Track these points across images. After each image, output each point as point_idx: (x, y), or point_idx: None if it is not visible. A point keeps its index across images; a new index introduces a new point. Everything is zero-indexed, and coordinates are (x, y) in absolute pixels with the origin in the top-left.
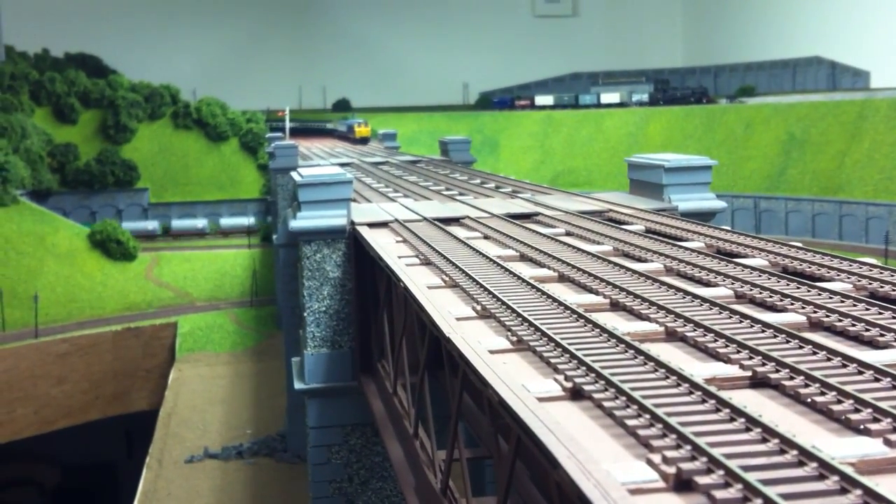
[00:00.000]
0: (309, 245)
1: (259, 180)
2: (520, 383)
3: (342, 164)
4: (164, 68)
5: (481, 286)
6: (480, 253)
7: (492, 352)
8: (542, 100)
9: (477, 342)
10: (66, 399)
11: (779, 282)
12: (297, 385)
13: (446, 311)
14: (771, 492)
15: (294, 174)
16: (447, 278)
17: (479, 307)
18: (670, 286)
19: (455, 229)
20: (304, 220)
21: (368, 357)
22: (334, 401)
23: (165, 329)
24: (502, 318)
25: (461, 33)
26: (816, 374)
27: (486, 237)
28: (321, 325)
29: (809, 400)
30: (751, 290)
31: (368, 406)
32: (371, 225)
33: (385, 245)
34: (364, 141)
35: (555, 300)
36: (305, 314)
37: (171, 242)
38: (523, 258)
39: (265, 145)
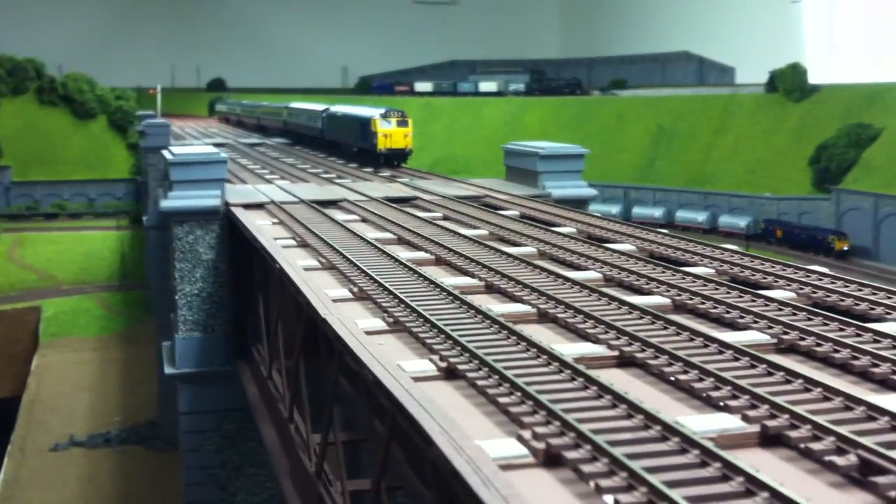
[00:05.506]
0: (181, 226)
1: (129, 160)
2: (395, 363)
3: (217, 144)
4: (28, 41)
5: (358, 268)
6: (358, 235)
7: (368, 333)
8: (421, 86)
9: (353, 323)
10: None
11: (645, 266)
12: (168, 370)
13: (322, 292)
14: (636, 465)
15: (165, 152)
16: (324, 260)
17: (355, 289)
18: (543, 269)
19: (333, 212)
20: (176, 200)
21: (243, 341)
22: (207, 386)
23: (29, 313)
24: (379, 300)
25: (341, 16)
26: (680, 353)
27: (363, 220)
28: (193, 308)
29: (673, 378)
30: (619, 273)
31: (243, 391)
32: (246, 206)
33: (261, 226)
34: (398, 158)
35: (431, 282)
36: (177, 297)
37: (35, 223)
38: (401, 241)
39: (135, 123)
